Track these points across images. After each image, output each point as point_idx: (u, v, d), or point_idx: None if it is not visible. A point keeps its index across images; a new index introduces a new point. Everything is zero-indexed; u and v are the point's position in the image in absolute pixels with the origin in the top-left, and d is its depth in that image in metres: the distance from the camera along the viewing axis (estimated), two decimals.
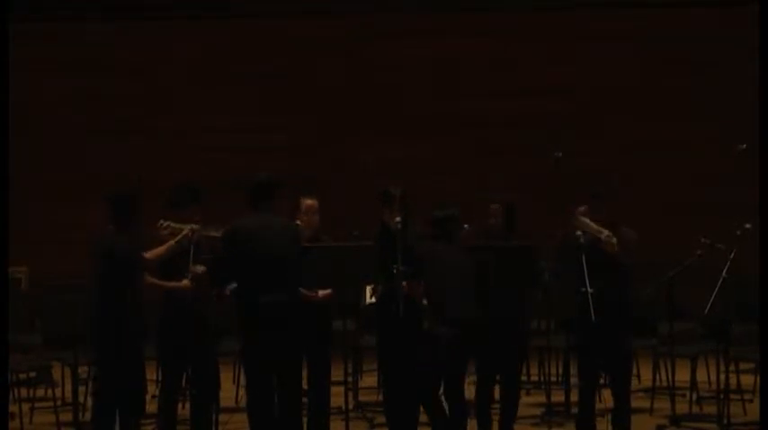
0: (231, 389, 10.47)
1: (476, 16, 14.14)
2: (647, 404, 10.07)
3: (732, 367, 9.45)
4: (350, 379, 8.95)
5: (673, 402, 9.61)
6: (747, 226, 8.79)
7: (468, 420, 8.53)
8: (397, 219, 8.06)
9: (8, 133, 12.14)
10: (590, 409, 8.25)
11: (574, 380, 8.80)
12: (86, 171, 13.93)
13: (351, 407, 9.03)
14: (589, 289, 7.84)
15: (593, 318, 7.81)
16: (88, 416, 9.22)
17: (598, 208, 8.17)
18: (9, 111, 12.45)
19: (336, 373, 8.79)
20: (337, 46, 14.23)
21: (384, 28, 14.13)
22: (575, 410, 9.02)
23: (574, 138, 13.22)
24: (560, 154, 8.83)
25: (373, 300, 8.40)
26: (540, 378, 10.74)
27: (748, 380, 10.30)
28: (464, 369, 8.45)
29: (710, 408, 9.72)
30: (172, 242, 8.26)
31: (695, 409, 9.84)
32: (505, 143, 13.86)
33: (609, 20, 13.93)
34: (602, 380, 8.87)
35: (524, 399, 9.84)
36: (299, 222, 8.53)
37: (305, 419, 8.30)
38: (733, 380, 9.52)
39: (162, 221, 8.33)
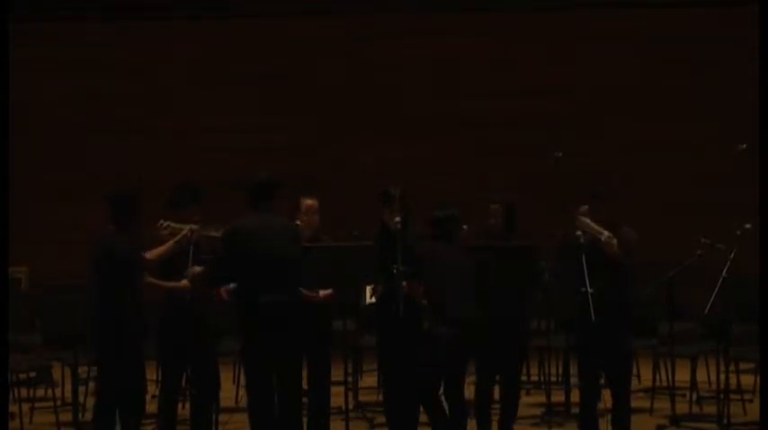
0: (231, 389, 10.47)
1: (476, 16, 14.14)
2: (647, 404, 10.07)
3: (732, 367, 9.45)
4: (350, 379, 8.95)
5: (673, 402, 9.62)
6: (747, 226, 8.79)
7: (468, 420, 8.53)
8: (397, 219, 8.06)
9: (8, 133, 12.13)
10: (592, 410, 8.24)
11: (574, 381, 8.79)
12: (86, 171, 13.93)
13: (351, 407, 9.03)
14: (589, 289, 7.84)
15: (593, 317, 7.81)
16: (88, 416, 9.23)
17: (598, 208, 8.16)
18: (9, 111, 12.44)
19: (336, 373, 8.79)
20: (337, 46, 14.23)
21: (384, 28, 14.13)
22: (575, 410, 9.02)
23: (574, 138, 13.22)
24: (560, 154, 8.83)
25: (373, 300, 8.40)
26: (540, 378, 10.74)
27: (748, 380, 10.30)
28: (464, 369, 8.45)
29: (710, 408, 9.72)
30: (171, 242, 8.26)
31: (695, 409, 9.84)
32: (505, 143, 13.86)
33: (609, 20, 13.93)
34: (601, 381, 8.86)
35: (524, 399, 9.84)
36: (298, 222, 8.52)
37: (305, 419, 8.30)
38: (733, 380, 9.52)
39: (162, 221, 8.33)
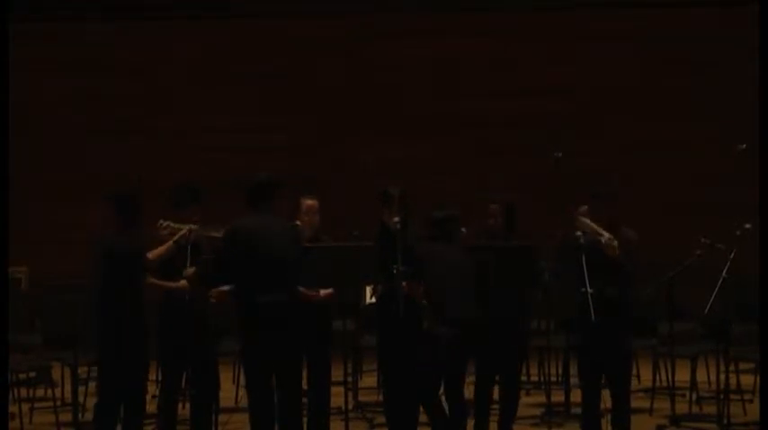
0: (231, 389, 10.47)
1: (476, 16, 14.14)
2: (646, 404, 10.07)
3: (732, 367, 9.44)
4: (350, 379, 8.95)
5: (673, 402, 9.61)
6: (747, 226, 8.78)
7: (468, 420, 8.53)
8: (396, 219, 8.05)
9: (8, 133, 12.13)
10: (594, 409, 8.22)
11: (574, 381, 8.79)
12: (86, 171, 13.94)
13: (351, 407, 9.04)
14: (589, 289, 7.84)
15: (593, 317, 7.81)
16: (88, 416, 9.23)
17: (598, 208, 8.16)
18: (9, 111, 12.44)
19: (336, 373, 8.79)
20: (337, 46, 14.23)
21: (384, 28, 14.13)
22: (575, 410, 9.03)
23: (574, 138, 13.22)
24: (560, 154, 8.83)
25: (373, 300, 8.40)
26: (539, 378, 10.74)
27: (748, 380, 10.30)
28: (464, 369, 8.45)
29: (710, 408, 9.72)
30: (170, 242, 8.26)
31: (695, 409, 9.84)
32: (505, 143, 13.86)
33: (609, 20, 13.93)
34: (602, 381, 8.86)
35: (524, 399, 9.85)
36: (298, 222, 8.53)
37: (305, 419, 8.30)
38: (733, 381, 9.52)
39: (162, 221, 8.33)
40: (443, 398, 8.42)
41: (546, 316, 10.41)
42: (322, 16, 14.21)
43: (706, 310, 8.57)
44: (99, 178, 13.00)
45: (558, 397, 10.01)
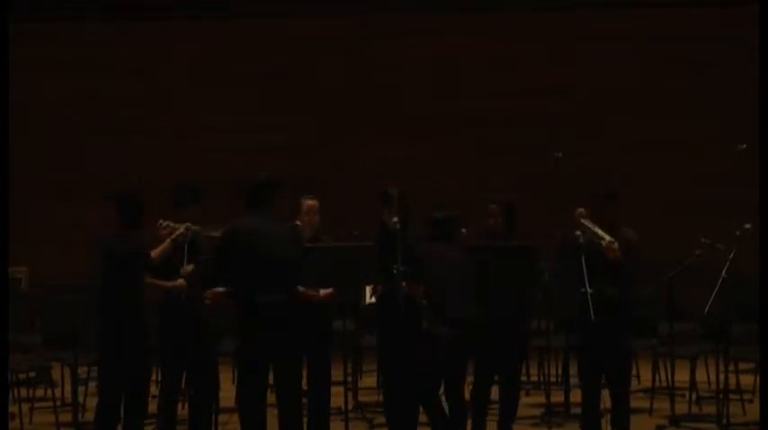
0: (231, 389, 10.40)
1: (476, 16, 14.14)
2: (646, 404, 10.07)
3: (732, 367, 9.45)
4: (350, 379, 8.95)
5: (672, 402, 9.62)
6: (747, 226, 8.79)
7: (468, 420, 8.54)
8: (395, 219, 8.05)
9: (8, 133, 12.13)
10: (594, 409, 8.22)
11: (573, 381, 8.79)
12: (86, 171, 13.94)
13: (351, 407, 9.03)
14: (588, 289, 7.84)
15: (593, 317, 7.81)
16: (88, 416, 9.24)
17: (598, 208, 8.16)
18: (9, 111, 12.44)
19: (336, 373, 8.79)
20: (337, 46, 14.23)
21: (384, 28, 14.13)
22: (574, 410, 9.03)
23: (574, 138, 13.22)
24: (560, 154, 8.83)
25: (373, 300, 8.40)
26: (539, 378, 10.74)
27: (748, 380, 10.30)
28: (464, 369, 8.45)
29: (710, 409, 9.71)
30: (168, 241, 8.26)
31: (695, 409, 9.84)
32: (505, 143, 13.86)
33: (609, 20, 13.93)
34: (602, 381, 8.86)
35: (524, 400, 9.84)
36: (298, 222, 8.53)
37: (305, 419, 8.30)
38: (732, 381, 9.52)
39: (161, 221, 8.33)
40: (443, 399, 8.43)
41: (546, 316, 10.41)
42: (322, 16, 14.21)
43: (706, 310, 8.57)
44: (99, 178, 13.01)
45: (557, 397, 10.01)
